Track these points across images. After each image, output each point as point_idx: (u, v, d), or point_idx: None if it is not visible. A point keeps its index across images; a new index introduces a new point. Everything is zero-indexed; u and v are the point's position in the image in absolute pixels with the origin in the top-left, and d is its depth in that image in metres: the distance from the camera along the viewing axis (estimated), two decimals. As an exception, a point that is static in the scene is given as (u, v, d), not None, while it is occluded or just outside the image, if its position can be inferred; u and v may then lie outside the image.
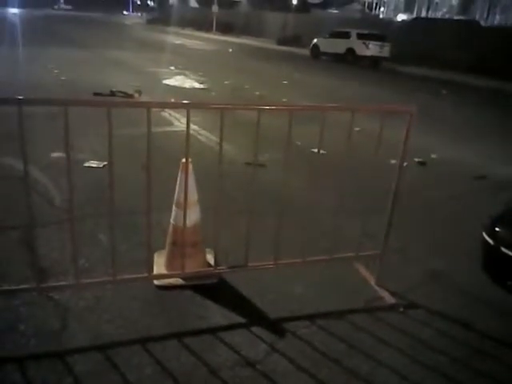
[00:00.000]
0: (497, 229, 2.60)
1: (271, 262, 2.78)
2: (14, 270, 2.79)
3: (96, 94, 8.18)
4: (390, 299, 2.86)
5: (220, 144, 2.53)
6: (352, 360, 2.33)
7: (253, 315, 2.61)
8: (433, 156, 6.31)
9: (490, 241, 2.58)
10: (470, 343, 2.55)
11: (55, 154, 4.78)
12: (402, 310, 2.78)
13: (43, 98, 2.40)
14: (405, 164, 2.82)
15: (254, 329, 2.49)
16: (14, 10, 56.16)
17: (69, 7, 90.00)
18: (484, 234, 2.63)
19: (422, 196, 4.75)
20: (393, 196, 2.83)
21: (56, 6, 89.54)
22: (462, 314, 2.77)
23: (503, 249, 2.50)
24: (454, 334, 2.60)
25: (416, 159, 5.87)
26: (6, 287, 2.49)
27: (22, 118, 2.07)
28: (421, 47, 22.85)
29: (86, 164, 4.72)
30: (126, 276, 2.59)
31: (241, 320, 2.56)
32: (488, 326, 2.68)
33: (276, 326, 2.53)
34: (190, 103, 2.43)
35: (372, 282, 3.01)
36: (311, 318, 2.62)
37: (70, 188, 2.32)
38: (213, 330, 2.45)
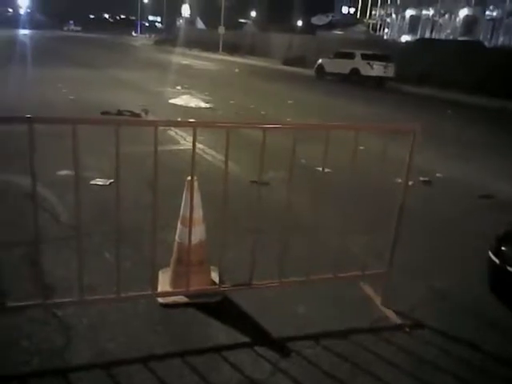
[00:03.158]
0: (503, 248, 2.59)
1: (276, 281, 2.77)
2: (18, 286, 2.79)
3: (104, 113, 8.30)
4: (395, 319, 2.84)
5: (226, 162, 2.56)
6: (356, 380, 2.30)
7: (257, 334, 2.59)
8: (438, 175, 6.31)
9: (496, 260, 2.56)
10: (476, 363, 2.51)
11: (62, 172, 4.83)
12: (407, 330, 2.75)
13: (53, 117, 2.45)
14: (410, 183, 2.83)
15: (258, 348, 2.47)
16: (24, 31, 57.48)
17: (78, 28, 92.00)
18: (490, 254, 2.62)
19: (428, 215, 4.73)
20: (398, 215, 2.83)
21: (66, 28, 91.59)
22: (468, 334, 2.73)
23: (509, 268, 2.49)
24: (460, 354, 2.57)
25: (421, 178, 5.87)
26: (10, 304, 2.49)
27: (32, 137, 2.11)
28: (425, 67, 23.05)
29: (92, 182, 4.77)
30: (131, 293, 2.59)
31: (245, 339, 2.54)
32: (494, 346, 2.65)
33: (280, 346, 2.51)
34: (197, 122, 2.47)
35: (377, 301, 2.99)
36: (316, 337, 2.59)
37: (77, 205, 2.34)
38: (217, 349, 2.43)
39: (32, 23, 72.66)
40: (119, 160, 2.31)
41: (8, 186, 4.39)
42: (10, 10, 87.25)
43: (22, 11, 78.34)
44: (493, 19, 37.54)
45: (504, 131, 11.60)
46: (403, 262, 3.35)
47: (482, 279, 2.69)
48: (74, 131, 2.19)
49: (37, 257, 2.43)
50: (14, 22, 70.41)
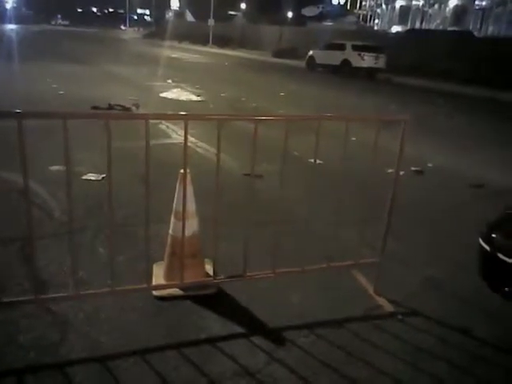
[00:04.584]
0: (493, 235, 2.62)
1: (269, 272, 2.79)
2: (12, 282, 2.79)
3: (94, 108, 8.23)
4: (388, 307, 2.87)
5: (218, 155, 2.56)
6: (351, 368, 2.33)
7: (252, 325, 2.61)
8: (429, 165, 6.36)
9: (487, 247, 2.59)
10: (469, 349, 2.55)
11: (54, 167, 4.80)
12: (400, 317, 2.78)
13: (42, 112, 2.44)
14: (401, 173, 2.86)
15: (253, 338, 2.49)
16: (11, 26, 56.62)
17: (66, 22, 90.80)
18: (480, 241, 2.64)
19: (420, 204, 4.77)
20: (390, 204, 2.86)
21: (53, 22, 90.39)
22: (461, 321, 2.78)
23: (500, 255, 2.52)
24: (453, 340, 2.61)
25: (413, 168, 5.91)
26: (4, 299, 2.49)
27: (22, 132, 2.10)
28: (415, 58, 23.11)
29: (85, 177, 4.75)
30: (125, 287, 2.59)
31: (240, 330, 2.56)
32: (486, 333, 2.69)
33: (275, 335, 2.53)
34: (188, 115, 2.46)
35: (370, 290, 3.02)
36: (310, 326, 2.62)
37: (69, 200, 2.33)
38: (212, 340, 2.45)
39: (18, 18, 71.49)
40: (111, 154, 2.30)
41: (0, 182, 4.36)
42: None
43: (8, 6, 77.08)
44: (482, 9, 37.62)
45: (495, 120, 11.69)
46: (396, 251, 3.39)
47: (473, 267, 2.73)
48: (64, 126, 2.17)
49: (31, 252, 2.42)
50: (0, 17, 69.33)
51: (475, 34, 29.36)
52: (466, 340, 2.63)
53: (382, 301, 2.92)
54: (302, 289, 2.98)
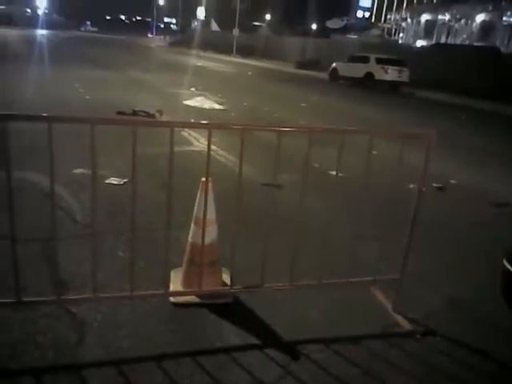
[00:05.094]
0: (517, 257, 2.56)
1: (287, 284, 2.77)
2: (34, 282, 2.84)
3: (119, 113, 8.38)
4: (406, 326, 2.82)
5: (240, 164, 2.57)
6: (367, 386, 2.29)
7: (267, 336, 2.60)
8: (452, 181, 6.26)
9: (511, 268, 2.53)
10: (488, 372, 2.49)
11: (77, 170, 4.90)
12: (418, 337, 2.73)
13: (72, 117, 2.50)
14: (423, 189, 2.82)
15: (268, 350, 2.47)
16: (42, 32, 58.34)
17: (95, 29, 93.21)
18: (504, 262, 2.58)
19: (441, 222, 4.69)
20: (412, 221, 2.82)
21: (83, 28, 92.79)
22: (481, 343, 2.71)
23: (524, 277, 2.46)
24: (472, 362, 2.55)
25: (434, 184, 5.82)
26: (25, 299, 2.53)
27: (51, 136, 2.15)
28: (440, 73, 22.88)
29: (107, 181, 4.82)
30: (143, 292, 2.62)
31: (255, 341, 2.55)
32: (507, 356, 2.62)
33: (290, 349, 2.51)
34: (212, 124, 2.49)
35: (389, 307, 2.97)
36: (326, 341, 2.59)
37: (93, 204, 2.38)
38: (227, 350, 2.44)
39: (49, 24, 73.71)
40: (135, 160, 2.34)
41: (24, 183, 4.46)
42: (29, 10, 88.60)
43: (39, 12, 79.52)
44: (510, 25, 37.07)
45: (520, 138, 11.45)
46: (415, 268, 3.33)
47: (496, 288, 2.66)
48: (92, 131, 2.22)
49: (52, 254, 2.46)
50: (32, 22, 71.52)
51: (502, 49, 28.92)
52: (484, 363, 2.56)
53: (400, 319, 2.87)
54: (320, 303, 2.95)
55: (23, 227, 3.57)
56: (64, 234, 3.42)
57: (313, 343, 2.57)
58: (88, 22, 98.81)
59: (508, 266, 2.55)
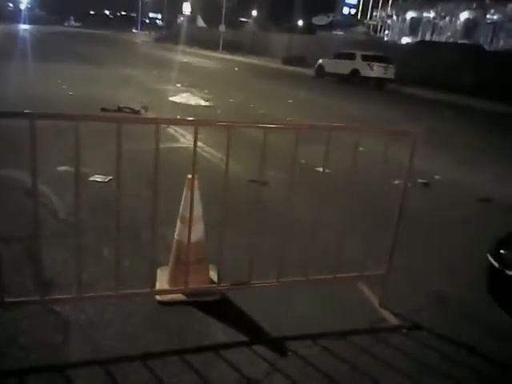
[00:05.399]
0: (502, 251, 2.59)
1: (274, 280, 2.77)
2: (17, 282, 2.79)
3: (103, 110, 8.27)
4: (393, 320, 2.84)
5: (226, 161, 2.55)
6: (354, 381, 2.30)
7: (254, 333, 2.59)
8: (437, 177, 6.32)
9: (495, 263, 2.56)
10: (474, 367, 2.51)
11: (61, 168, 4.82)
12: (405, 331, 2.75)
13: (55, 113, 2.44)
14: (409, 185, 2.83)
15: (256, 347, 2.47)
16: (24, 27, 57.29)
17: (78, 24, 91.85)
18: (489, 257, 2.61)
19: (426, 217, 4.74)
20: (397, 216, 2.83)
21: (66, 23, 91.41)
22: (466, 337, 2.74)
23: (508, 272, 2.49)
24: (458, 357, 2.57)
25: (419, 180, 5.87)
26: (7, 299, 2.48)
27: (34, 132, 2.10)
28: (425, 69, 23.12)
29: (92, 178, 4.76)
30: (129, 291, 2.59)
31: (242, 338, 2.54)
32: (492, 350, 2.65)
33: (277, 345, 2.51)
34: (198, 120, 2.46)
35: (375, 302, 2.99)
36: (313, 337, 2.59)
37: (76, 202, 2.33)
38: (214, 347, 2.43)
39: (32, 18, 72.48)
40: (120, 157, 2.30)
41: (7, 181, 4.38)
42: (11, 5, 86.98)
43: (22, 6, 78.03)
44: (493, 23, 37.58)
45: (503, 134, 11.63)
46: (402, 264, 3.36)
47: (481, 282, 2.69)
48: (76, 128, 2.18)
49: (35, 253, 2.42)
50: (14, 17, 70.24)
51: (485, 47, 29.31)
52: (470, 357, 2.59)
53: (386, 314, 2.88)
54: (307, 299, 2.95)
55: (5, 226, 3.51)
56: (47, 233, 3.36)
57: (300, 339, 2.57)
58: (71, 17, 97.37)
59: (492, 261, 2.58)
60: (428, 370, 2.45)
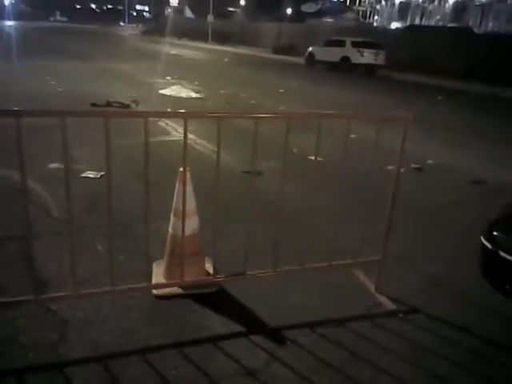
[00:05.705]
0: (495, 233, 2.60)
1: (270, 270, 2.77)
2: (11, 281, 2.77)
3: (93, 105, 8.19)
4: (389, 305, 2.86)
5: (218, 153, 2.53)
6: (353, 367, 2.32)
7: (252, 324, 2.60)
8: (429, 162, 6.34)
9: (488, 245, 2.57)
10: (471, 348, 2.54)
11: (52, 165, 4.78)
12: (402, 315, 2.77)
13: (41, 110, 2.40)
14: (401, 170, 2.84)
15: (254, 337, 2.48)
16: (9, 23, 56.40)
17: (64, 19, 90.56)
18: (482, 239, 2.63)
19: (421, 202, 4.76)
20: (391, 202, 2.84)
21: (52, 18, 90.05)
22: (462, 319, 2.76)
23: (501, 253, 2.50)
24: (455, 339, 2.60)
25: (413, 165, 5.89)
26: (4, 299, 2.47)
27: (20, 130, 2.07)
28: (415, 54, 23.05)
29: (83, 175, 4.72)
30: (125, 286, 2.58)
31: (240, 329, 2.55)
32: (488, 331, 2.68)
33: (276, 335, 2.52)
34: (187, 112, 2.44)
35: (371, 288, 3.01)
36: (311, 325, 2.61)
37: (68, 199, 2.31)
38: (212, 339, 2.43)
39: (17, 14, 71.26)
40: (110, 152, 2.28)
41: (-3, 180, 4.34)
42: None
43: (6, 2, 76.74)
44: (482, 5, 37.47)
45: (495, 117, 11.66)
46: (397, 249, 3.37)
47: (475, 265, 2.71)
48: (63, 124, 2.15)
49: (29, 252, 2.40)
50: (-2, 13, 69.09)
51: (475, 30, 29.26)
52: (467, 338, 2.62)
53: (383, 299, 2.90)
54: (303, 287, 2.96)
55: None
56: (41, 231, 3.34)
57: (298, 328, 2.59)
58: (57, 12, 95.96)
59: (485, 243, 2.59)
60: (425, 352, 2.47)
